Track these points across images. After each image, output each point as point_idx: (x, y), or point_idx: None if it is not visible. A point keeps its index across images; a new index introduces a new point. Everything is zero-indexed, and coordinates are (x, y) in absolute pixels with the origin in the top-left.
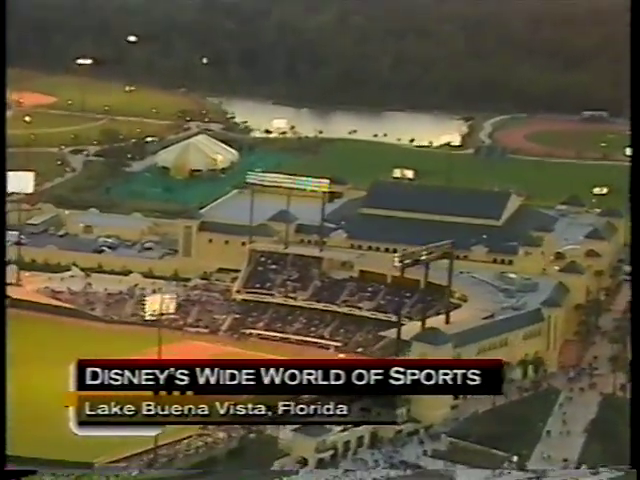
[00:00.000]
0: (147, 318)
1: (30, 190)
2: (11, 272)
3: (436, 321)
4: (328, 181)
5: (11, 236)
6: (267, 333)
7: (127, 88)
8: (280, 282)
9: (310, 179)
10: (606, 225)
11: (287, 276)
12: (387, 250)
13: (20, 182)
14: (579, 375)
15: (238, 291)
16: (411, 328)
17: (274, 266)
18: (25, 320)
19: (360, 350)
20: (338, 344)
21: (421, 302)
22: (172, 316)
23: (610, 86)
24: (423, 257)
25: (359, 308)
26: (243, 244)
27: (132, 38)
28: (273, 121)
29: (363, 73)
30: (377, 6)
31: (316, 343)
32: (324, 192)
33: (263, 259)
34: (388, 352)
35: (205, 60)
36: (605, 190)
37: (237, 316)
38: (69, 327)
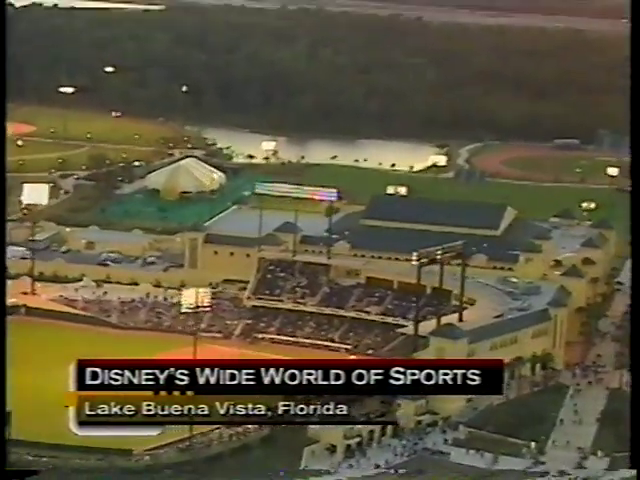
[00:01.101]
0: (183, 311)
1: (45, 202)
2: (23, 283)
3: (449, 320)
4: (336, 191)
5: (16, 251)
6: (279, 337)
7: (114, 114)
8: (289, 289)
9: (319, 189)
10: (598, 236)
11: (296, 283)
12: (389, 259)
13: (35, 194)
14: (584, 372)
15: (249, 298)
16: (427, 326)
17: (283, 274)
18: (42, 326)
19: (370, 352)
20: (348, 347)
21: (428, 306)
22: (205, 309)
23: (579, 115)
24: (438, 256)
25: (367, 312)
26: (248, 256)
27: (109, 69)
28: (262, 143)
29: (337, 103)
30: (345, 40)
31: (327, 346)
32: (331, 201)
33: (272, 267)
34: (398, 353)
35: (185, 88)
36: (593, 205)
37: (249, 322)
38: (86, 333)
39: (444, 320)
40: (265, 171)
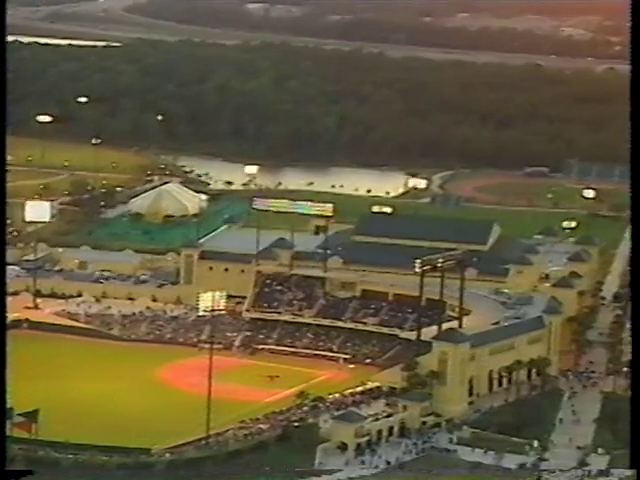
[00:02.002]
0: (200, 314)
1: (47, 219)
2: (23, 299)
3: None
4: (332, 205)
5: (12, 270)
6: (278, 347)
7: (94, 141)
8: (287, 302)
9: (315, 204)
10: (583, 251)
11: (293, 296)
12: (381, 273)
13: (38, 212)
14: (578, 377)
15: (247, 310)
16: (427, 333)
17: (280, 287)
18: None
19: (368, 361)
20: (347, 356)
21: (424, 317)
22: (221, 312)
23: (546, 144)
24: (439, 264)
25: (364, 323)
26: (242, 271)
27: (82, 99)
28: (245, 167)
29: (308, 132)
30: (310, 72)
31: (325, 356)
32: (327, 216)
33: (269, 281)
34: (395, 361)
35: (160, 117)
36: (574, 224)
37: (248, 333)
38: (90, 345)
39: (445, 326)
40: (244, 197)
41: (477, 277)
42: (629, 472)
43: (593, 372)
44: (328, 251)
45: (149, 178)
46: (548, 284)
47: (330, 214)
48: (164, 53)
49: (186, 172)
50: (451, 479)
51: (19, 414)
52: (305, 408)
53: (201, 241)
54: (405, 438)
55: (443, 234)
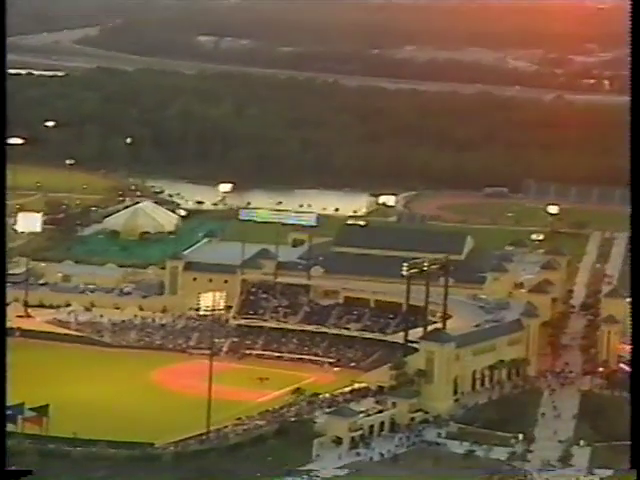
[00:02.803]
0: (201, 313)
1: (39, 230)
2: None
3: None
4: (315, 215)
5: None
6: (265, 352)
7: (67, 162)
8: (272, 309)
9: (300, 214)
10: (554, 260)
11: (278, 303)
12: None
13: (29, 223)
14: (556, 377)
15: (234, 317)
16: (415, 333)
17: (265, 295)
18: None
19: (353, 365)
20: (331, 360)
21: (404, 322)
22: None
23: (504, 166)
24: (425, 267)
25: (348, 329)
26: (226, 282)
27: (50, 123)
28: (220, 185)
29: (271, 155)
30: (268, 99)
31: (311, 360)
32: (312, 226)
33: (254, 289)
34: (378, 364)
35: (129, 140)
36: (542, 237)
37: (235, 339)
38: (82, 352)
39: (430, 329)
40: (215, 216)
41: (455, 285)
42: (609, 472)
43: (571, 372)
44: (310, 260)
45: (121, 198)
46: (523, 290)
47: (315, 224)
48: (124, 81)
49: (157, 193)
50: (446, 477)
51: (30, 409)
52: (296, 406)
53: (186, 253)
54: (396, 433)
55: (420, 245)
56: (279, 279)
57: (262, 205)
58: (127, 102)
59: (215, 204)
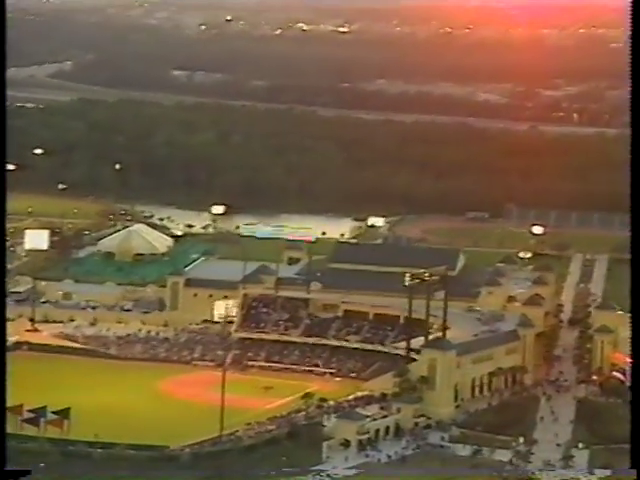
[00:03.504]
0: (215, 320)
1: (45, 247)
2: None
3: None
4: (311, 232)
5: None
6: (268, 364)
7: (60, 186)
8: (273, 322)
9: (299, 231)
10: (544, 276)
11: (279, 317)
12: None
13: (37, 240)
14: (551, 385)
15: (236, 330)
16: (416, 342)
17: (266, 309)
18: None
19: (353, 375)
20: (332, 371)
21: (404, 332)
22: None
23: (484, 192)
24: (426, 278)
25: (347, 341)
26: (226, 297)
27: (38, 151)
28: (213, 207)
29: (257, 182)
30: (250, 128)
31: (312, 371)
32: (310, 242)
33: (255, 303)
34: (379, 374)
35: (118, 166)
36: (529, 254)
37: (238, 351)
38: (90, 363)
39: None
40: (206, 239)
41: (450, 298)
42: (608, 472)
43: (565, 380)
44: (308, 276)
45: (112, 222)
46: (517, 304)
47: (313, 240)
48: (107, 111)
49: (146, 217)
50: (450, 478)
51: (52, 412)
52: (303, 413)
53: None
54: (401, 436)
55: (414, 261)
56: (280, 293)
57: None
58: (111, 131)
59: (205, 227)
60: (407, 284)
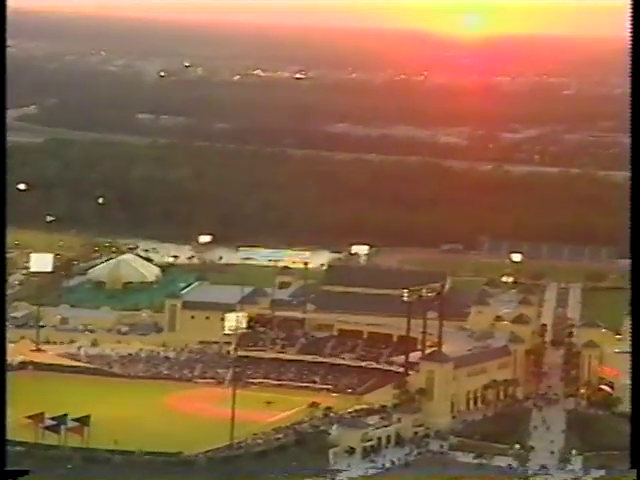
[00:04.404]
0: (225, 332)
1: (49, 269)
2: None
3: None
4: (309, 255)
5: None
6: (266, 381)
7: (48, 218)
8: (270, 341)
9: (293, 254)
10: (526, 298)
11: (276, 336)
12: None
13: (41, 263)
14: (541, 398)
15: (235, 349)
16: (414, 355)
17: (263, 329)
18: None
19: (350, 390)
20: (329, 387)
21: (396, 351)
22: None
23: (457, 225)
24: (423, 294)
25: (343, 358)
26: (222, 319)
27: (21, 186)
28: (200, 236)
29: (235, 215)
30: (223, 166)
31: (309, 387)
32: (306, 263)
33: (252, 323)
34: (373, 389)
35: (101, 200)
36: (511, 279)
37: (237, 369)
38: (95, 381)
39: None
40: (191, 269)
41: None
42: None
43: (555, 394)
44: (302, 298)
45: (98, 254)
46: (506, 322)
47: (309, 262)
48: (81, 151)
49: (131, 249)
50: (449, 478)
51: (73, 419)
52: (306, 424)
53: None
54: (402, 444)
55: (403, 283)
56: (277, 313)
57: (233, 260)
58: (87, 168)
59: (189, 258)
60: (405, 300)
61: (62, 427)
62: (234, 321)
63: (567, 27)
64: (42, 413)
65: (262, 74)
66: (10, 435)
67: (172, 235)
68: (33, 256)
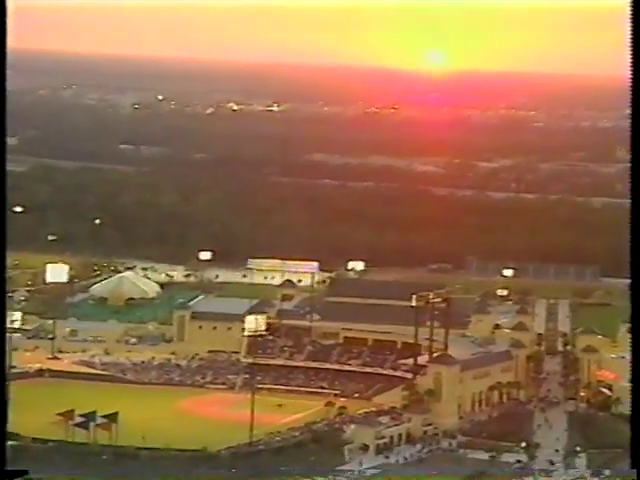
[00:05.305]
0: (246, 334)
1: (65, 280)
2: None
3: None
4: (317, 264)
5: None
6: (276, 387)
7: (50, 237)
8: (278, 348)
9: (302, 264)
10: (523, 307)
11: (283, 343)
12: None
13: (57, 273)
14: (542, 401)
15: (245, 356)
16: (422, 358)
17: (271, 337)
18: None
19: (357, 395)
20: (337, 392)
21: (400, 357)
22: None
23: (444, 245)
24: (431, 299)
25: (349, 364)
26: (229, 329)
27: (18, 209)
28: (200, 253)
29: (226, 236)
30: (211, 190)
31: (318, 392)
32: (313, 272)
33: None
34: (379, 393)
35: (98, 221)
36: (506, 292)
37: (247, 375)
38: (110, 388)
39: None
40: (189, 286)
41: (441, 327)
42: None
43: (556, 397)
44: (306, 308)
45: (97, 272)
46: (507, 330)
47: (316, 270)
48: (69, 177)
49: (128, 268)
50: (452, 478)
51: (102, 416)
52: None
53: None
54: (413, 442)
55: (404, 294)
56: (284, 321)
57: (230, 278)
58: (79, 192)
59: (186, 276)
60: (413, 305)
61: (91, 424)
62: (254, 323)
63: (532, 64)
64: (72, 410)
65: (235, 107)
66: (38, 434)
67: (166, 255)
68: (49, 266)
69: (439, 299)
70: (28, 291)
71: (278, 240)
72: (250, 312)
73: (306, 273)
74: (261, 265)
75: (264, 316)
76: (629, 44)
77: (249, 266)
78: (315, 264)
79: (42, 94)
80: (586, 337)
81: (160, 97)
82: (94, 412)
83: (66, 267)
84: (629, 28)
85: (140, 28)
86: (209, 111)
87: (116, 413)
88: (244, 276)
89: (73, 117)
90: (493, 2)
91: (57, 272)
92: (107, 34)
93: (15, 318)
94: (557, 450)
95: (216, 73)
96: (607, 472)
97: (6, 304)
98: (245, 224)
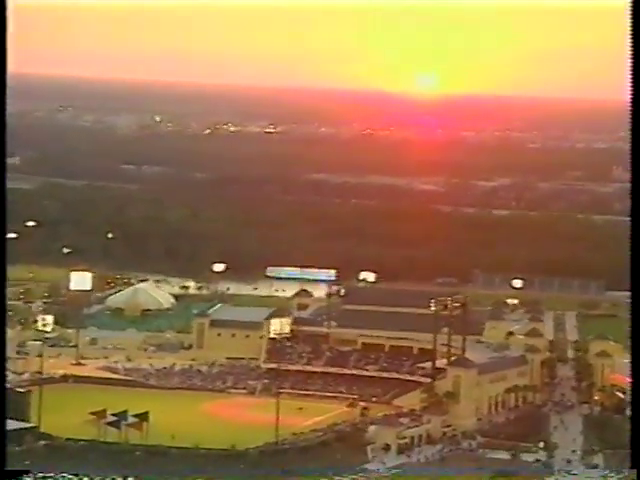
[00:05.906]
0: (271, 336)
1: (88, 287)
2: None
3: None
4: (334, 271)
5: (35, 345)
6: (295, 391)
7: (65, 250)
8: (297, 354)
9: (321, 271)
10: (535, 315)
11: (302, 349)
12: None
13: (81, 281)
14: (557, 404)
15: (264, 362)
16: (441, 362)
17: (289, 343)
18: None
19: (375, 399)
20: (355, 396)
21: (417, 363)
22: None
23: (450, 260)
24: (449, 304)
25: (366, 370)
26: (247, 337)
27: (31, 223)
28: (214, 265)
29: (231, 251)
30: (216, 206)
31: (336, 397)
32: (330, 281)
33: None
34: (397, 397)
35: (110, 235)
36: (516, 301)
37: (266, 381)
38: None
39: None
40: (201, 298)
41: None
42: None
43: (570, 401)
44: (323, 316)
45: (111, 285)
46: (520, 336)
47: (333, 278)
48: (77, 193)
49: (142, 281)
50: (460, 478)
51: (133, 415)
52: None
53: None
54: (433, 443)
55: (418, 302)
56: (302, 329)
57: (242, 291)
58: (88, 208)
59: (199, 288)
60: (432, 309)
61: (122, 423)
62: (279, 325)
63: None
64: (104, 410)
65: (232, 128)
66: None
67: (177, 269)
68: (72, 274)
69: (457, 304)
70: (45, 302)
71: (286, 254)
72: (270, 318)
73: (321, 282)
74: (279, 273)
75: (288, 319)
76: (629, 44)
77: (268, 274)
78: (332, 271)
79: (39, 116)
80: (599, 343)
81: (158, 118)
82: (125, 411)
83: (89, 275)
84: (629, 28)
85: (135, 52)
86: (206, 132)
87: (147, 412)
88: (255, 289)
89: (71, 138)
90: (488, 28)
91: (80, 280)
92: (102, 58)
93: (47, 322)
94: (574, 451)
95: (210, 95)
96: (607, 472)
97: (6, 308)
98: (252, 239)
